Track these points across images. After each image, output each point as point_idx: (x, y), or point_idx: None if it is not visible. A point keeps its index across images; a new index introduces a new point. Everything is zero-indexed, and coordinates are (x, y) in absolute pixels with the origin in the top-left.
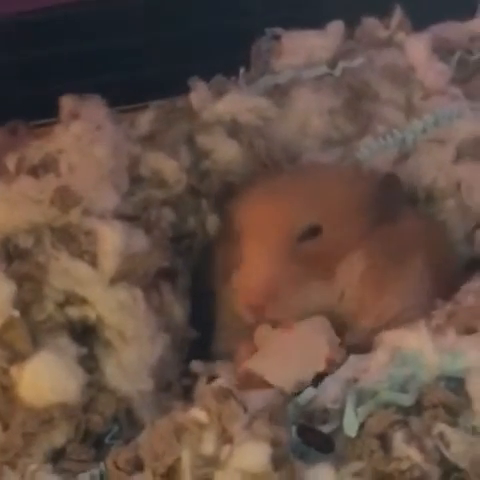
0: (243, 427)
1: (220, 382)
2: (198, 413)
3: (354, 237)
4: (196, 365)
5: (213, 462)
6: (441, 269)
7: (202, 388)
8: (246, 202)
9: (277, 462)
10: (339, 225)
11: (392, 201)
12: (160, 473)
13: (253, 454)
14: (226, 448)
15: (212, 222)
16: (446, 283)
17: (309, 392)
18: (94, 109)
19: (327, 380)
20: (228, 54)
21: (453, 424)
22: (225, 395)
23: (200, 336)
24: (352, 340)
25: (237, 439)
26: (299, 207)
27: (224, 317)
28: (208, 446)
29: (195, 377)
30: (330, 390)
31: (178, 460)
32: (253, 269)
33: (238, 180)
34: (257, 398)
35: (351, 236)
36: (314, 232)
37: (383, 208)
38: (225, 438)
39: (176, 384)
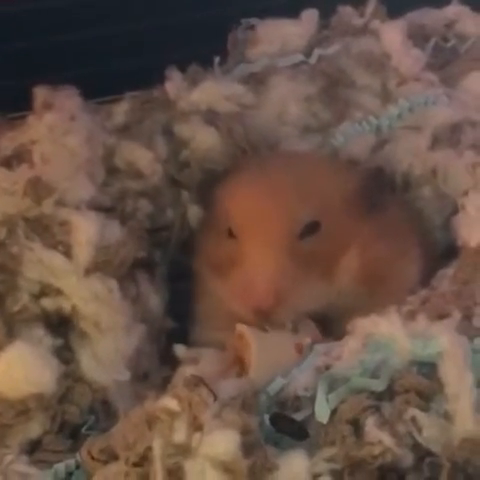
0: (213, 415)
1: (191, 370)
2: (169, 401)
3: (350, 231)
4: (179, 349)
5: (184, 450)
6: (426, 255)
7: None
8: (239, 195)
9: (247, 449)
10: (336, 220)
11: (380, 191)
12: (132, 462)
13: (222, 442)
14: (196, 436)
15: (193, 213)
16: (430, 269)
17: (278, 382)
18: (68, 100)
19: (297, 369)
20: (204, 45)
21: (425, 409)
22: (195, 383)
23: (178, 326)
24: None
25: (207, 427)
26: (297, 203)
27: (210, 309)
28: (179, 434)
29: (175, 366)
30: (301, 378)
31: (149, 449)
32: (260, 271)
33: (218, 168)
34: (229, 386)
35: (347, 230)
36: (314, 228)
37: (373, 199)
38: (196, 426)
39: (153, 374)
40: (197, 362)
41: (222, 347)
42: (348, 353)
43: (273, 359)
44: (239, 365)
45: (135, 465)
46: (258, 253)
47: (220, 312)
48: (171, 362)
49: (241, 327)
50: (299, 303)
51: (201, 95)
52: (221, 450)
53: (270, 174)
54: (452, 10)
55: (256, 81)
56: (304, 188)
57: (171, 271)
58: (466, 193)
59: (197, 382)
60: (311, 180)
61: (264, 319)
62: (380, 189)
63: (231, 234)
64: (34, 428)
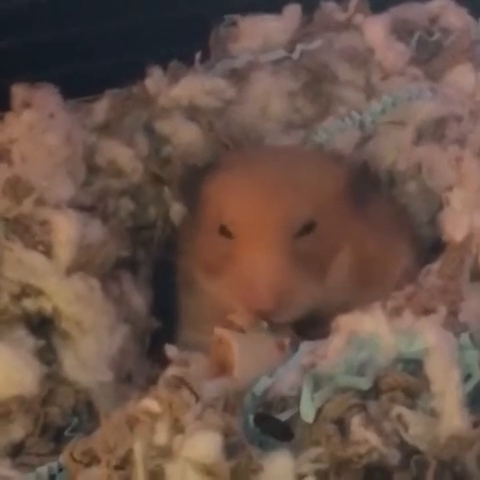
0: (195, 417)
1: (173, 371)
2: (150, 403)
3: (342, 228)
4: (171, 350)
5: (165, 453)
6: (413, 251)
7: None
8: (235, 192)
9: (230, 451)
10: (329, 217)
11: (368, 187)
12: (114, 465)
13: (204, 444)
14: (178, 438)
15: (176, 211)
16: (418, 265)
17: (264, 381)
18: (46, 98)
19: (283, 368)
20: (187, 42)
21: (411, 406)
22: (177, 384)
23: (163, 326)
24: None
25: (188, 429)
26: (295, 201)
27: (198, 310)
28: (160, 436)
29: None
30: (287, 378)
31: (131, 451)
32: (261, 271)
33: (200, 164)
34: (212, 387)
35: (339, 228)
36: (310, 228)
37: (361, 195)
38: (177, 428)
39: (137, 374)
40: (187, 364)
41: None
42: (333, 351)
43: (256, 359)
44: (220, 371)
45: (117, 468)
46: (258, 253)
47: (209, 313)
48: (157, 362)
49: (219, 331)
50: (300, 303)
51: (182, 91)
52: (202, 453)
53: (263, 171)
54: (436, 4)
55: (238, 77)
56: (299, 186)
57: (156, 270)
58: (450, 188)
59: (178, 383)
60: (305, 177)
61: (265, 320)
62: (367, 185)
63: (224, 232)
64: (16, 431)
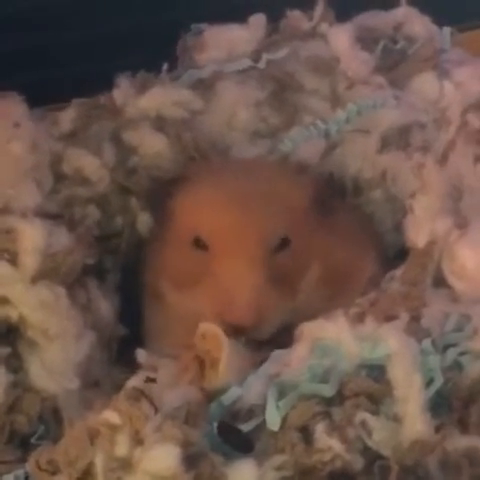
0: (154, 429)
1: (133, 383)
2: (110, 415)
3: (311, 240)
4: (141, 355)
5: (125, 465)
6: (379, 258)
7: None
8: (210, 205)
9: (190, 462)
10: (301, 231)
11: (333, 197)
12: (75, 478)
13: (162, 457)
14: (137, 450)
15: (143, 221)
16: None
17: (234, 391)
18: (11, 107)
19: (251, 378)
20: (155, 51)
21: (375, 412)
22: (136, 396)
23: (130, 333)
24: None
25: (147, 441)
26: (269, 216)
27: (166, 323)
28: (121, 449)
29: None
30: (254, 387)
31: (92, 464)
32: (240, 286)
33: (167, 175)
34: (174, 396)
35: (309, 240)
36: (285, 243)
37: (327, 206)
38: (137, 440)
39: (105, 381)
40: (156, 369)
41: None
42: (297, 359)
43: (239, 363)
44: (198, 365)
45: None
46: (236, 267)
47: (175, 325)
48: (125, 368)
49: (205, 325)
50: (276, 319)
51: (149, 101)
52: (161, 465)
53: (236, 183)
54: (400, 12)
55: (204, 87)
56: (272, 200)
57: (123, 276)
58: (413, 195)
59: (138, 395)
60: (275, 191)
61: (240, 335)
62: (333, 195)
63: (199, 244)
64: None
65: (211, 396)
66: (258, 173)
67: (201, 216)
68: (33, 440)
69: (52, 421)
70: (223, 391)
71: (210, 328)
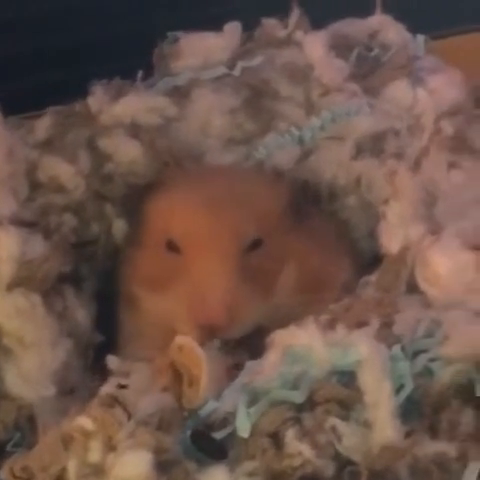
0: (127, 435)
1: (107, 389)
2: (84, 421)
3: (285, 245)
4: (112, 361)
5: (99, 471)
6: (354, 264)
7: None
8: (183, 208)
9: (163, 468)
10: (274, 235)
11: (307, 203)
12: None
13: (134, 463)
14: (110, 457)
15: (118, 227)
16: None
17: (211, 405)
18: None
19: (228, 390)
20: (130, 59)
21: (345, 418)
22: (110, 403)
23: (107, 340)
24: None
25: (120, 447)
26: (241, 218)
27: (141, 327)
28: (94, 454)
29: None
30: (229, 398)
31: (64, 470)
32: (212, 286)
33: (142, 181)
34: (148, 403)
35: (283, 244)
36: (257, 244)
37: (301, 211)
38: (110, 446)
39: (81, 388)
40: (128, 375)
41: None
42: (268, 366)
43: (217, 374)
44: (172, 375)
45: None
46: (208, 268)
47: (152, 330)
48: (101, 375)
49: (182, 338)
50: (249, 319)
51: (124, 108)
52: (133, 471)
53: (209, 188)
54: (376, 20)
55: (180, 94)
56: (244, 204)
57: (99, 283)
58: (387, 201)
59: (111, 401)
60: (248, 196)
61: (212, 336)
62: (308, 200)
63: (172, 247)
64: None
65: (189, 412)
66: (232, 178)
67: (173, 219)
68: (8, 447)
69: (28, 428)
70: (201, 406)
71: (187, 342)
